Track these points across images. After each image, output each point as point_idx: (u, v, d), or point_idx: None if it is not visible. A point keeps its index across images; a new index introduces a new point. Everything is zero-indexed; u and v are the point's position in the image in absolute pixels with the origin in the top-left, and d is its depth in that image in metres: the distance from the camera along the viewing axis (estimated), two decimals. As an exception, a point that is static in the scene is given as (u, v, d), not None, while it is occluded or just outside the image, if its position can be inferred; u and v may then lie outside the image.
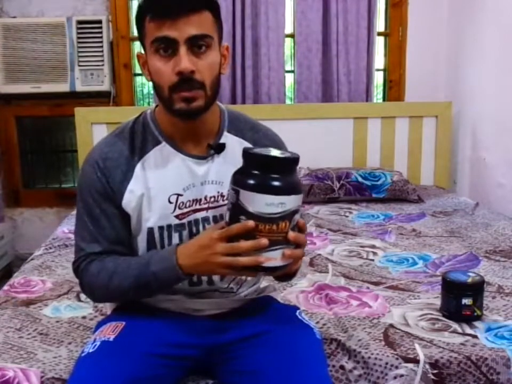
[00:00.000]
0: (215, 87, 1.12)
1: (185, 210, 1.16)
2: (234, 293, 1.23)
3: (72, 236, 2.08)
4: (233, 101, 3.18)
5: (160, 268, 1.08)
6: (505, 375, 1.24)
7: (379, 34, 3.29)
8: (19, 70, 3.13)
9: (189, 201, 1.16)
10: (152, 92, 3.38)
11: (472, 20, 2.97)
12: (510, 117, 2.62)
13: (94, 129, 2.99)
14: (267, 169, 0.97)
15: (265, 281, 1.38)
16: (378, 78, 3.40)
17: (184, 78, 1.07)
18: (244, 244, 0.97)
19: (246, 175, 0.98)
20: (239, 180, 0.99)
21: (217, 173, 1.17)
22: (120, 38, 3.22)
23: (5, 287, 1.73)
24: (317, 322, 1.40)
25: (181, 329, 1.17)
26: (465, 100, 3.09)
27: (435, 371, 1.22)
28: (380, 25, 3.31)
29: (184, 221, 1.16)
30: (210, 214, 1.17)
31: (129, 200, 1.14)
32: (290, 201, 0.97)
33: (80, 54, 3.12)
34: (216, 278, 1.18)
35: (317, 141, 3.05)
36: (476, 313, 1.41)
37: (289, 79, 3.32)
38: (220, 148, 1.19)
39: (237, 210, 0.98)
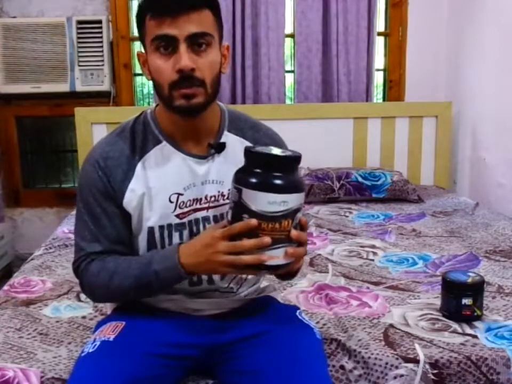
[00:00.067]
0: (216, 85, 1.12)
1: (185, 209, 1.16)
2: (234, 293, 1.23)
3: (72, 236, 2.07)
4: (233, 101, 3.18)
5: (162, 267, 1.08)
6: (505, 375, 1.24)
7: (379, 34, 3.29)
8: (19, 70, 3.13)
9: (190, 200, 1.16)
10: (152, 92, 3.38)
11: (472, 20, 2.97)
12: (510, 117, 2.62)
13: (94, 129, 2.99)
14: (270, 167, 0.97)
15: (265, 281, 1.37)
16: (378, 78, 3.40)
17: (184, 76, 1.07)
18: (247, 242, 0.97)
19: (249, 174, 0.98)
20: (241, 178, 0.99)
21: (218, 172, 1.17)
22: (120, 38, 3.22)
23: (5, 287, 1.73)
24: (317, 322, 1.40)
25: (181, 329, 1.17)
26: (465, 100, 3.09)
27: (435, 371, 1.22)
28: (380, 25, 3.31)
29: (185, 220, 1.16)
30: (210, 213, 1.17)
31: (130, 200, 1.14)
32: (292, 200, 0.97)
33: (80, 54, 3.12)
34: (216, 277, 1.18)
35: (317, 141, 3.05)
36: (476, 313, 1.41)
37: (289, 79, 3.32)
38: (221, 147, 1.19)
39: (239, 208, 0.98)
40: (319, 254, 2.00)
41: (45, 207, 3.43)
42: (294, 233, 0.99)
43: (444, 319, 1.43)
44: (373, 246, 2.09)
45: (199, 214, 1.17)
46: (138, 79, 3.39)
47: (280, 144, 1.25)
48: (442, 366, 1.22)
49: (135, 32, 2.97)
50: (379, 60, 3.36)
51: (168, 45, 1.07)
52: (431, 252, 2.02)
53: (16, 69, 3.13)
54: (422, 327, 1.40)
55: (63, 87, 3.15)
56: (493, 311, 1.48)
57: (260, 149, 1.03)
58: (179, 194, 1.15)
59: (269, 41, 3.12)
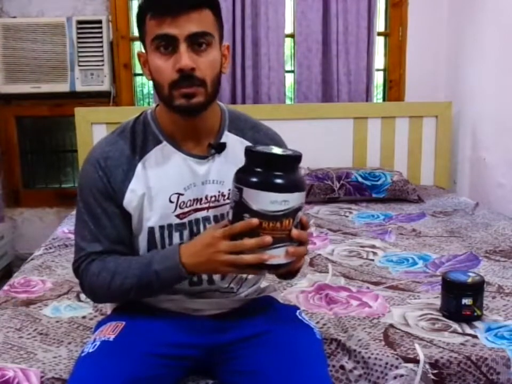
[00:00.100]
0: (216, 85, 1.12)
1: (186, 209, 1.16)
2: (235, 293, 1.23)
3: (72, 236, 2.08)
4: (233, 101, 3.18)
5: (163, 267, 1.08)
6: (505, 375, 1.24)
7: (379, 34, 3.29)
8: (19, 70, 3.13)
9: (190, 200, 1.16)
10: (152, 92, 3.38)
11: (472, 20, 2.97)
12: (510, 117, 2.62)
13: (94, 129, 2.99)
14: (271, 167, 0.98)
15: (265, 281, 1.38)
16: (378, 78, 3.40)
17: (184, 75, 1.07)
18: (248, 242, 0.97)
19: (249, 173, 0.98)
20: (242, 178, 0.99)
21: (218, 172, 1.17)
22: (120, 38, 3.22)
23: (5, 287, 1.73)
24: (317, 322, 1.40)
25: (181, 329, 1.17)
26: (465, 100, 3.09)
27: (435, 371, 1.22)
28: (380, 25, 3.31)
29: (185, 220, 1.16)
30: (211, 213, 1.17)
31: (130, 200, 1.14)
32: (293, 199, 0.98)
33: (80, 54, 3.12)
34: (216, 277, 1.18)
35: (317, 141, 3.05)
36: (476, 313, 1.41)
37: (289, 79, 3.32)
38: (221, 147, 1.19)
39: (240, 208, 0.98)
40: (319, 254, 2.00)
41: (45, 207, 3.43)
42: (295, 232, 0.99)
43: (444, 319, 1.43)
44: (373, 246, 2.09)
45: (200, 214, 1.17)
46: (138, 79, 3.39)
47: (280, 144, 1.25)
48: (442, 366, 1.22)
49: (135, 32, 2.97)
50: (379, 60, 3.36)
51: (168, 45, 1.07)
52: (431, 252, 2.02)
53: (16, 69, 3.13)
54: (422, 327, 1.40)
55: (63, 87, 3.15)
56: (493, 311, 1.48)
57: (260, 148, 1.03)
58: (179, 194, 1.15)
59: (269, 41, 3.12)
